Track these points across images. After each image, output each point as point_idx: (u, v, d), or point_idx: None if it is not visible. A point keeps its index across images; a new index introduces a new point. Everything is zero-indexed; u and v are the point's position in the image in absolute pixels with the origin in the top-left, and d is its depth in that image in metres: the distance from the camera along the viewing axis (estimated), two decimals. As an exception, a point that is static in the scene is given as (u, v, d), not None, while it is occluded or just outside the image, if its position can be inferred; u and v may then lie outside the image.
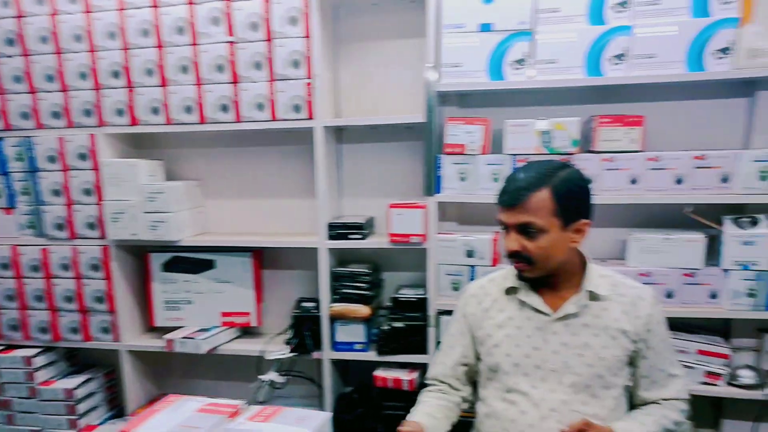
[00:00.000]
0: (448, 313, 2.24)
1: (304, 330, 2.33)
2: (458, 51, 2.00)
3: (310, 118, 2.17)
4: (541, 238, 1.35)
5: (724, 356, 2.08)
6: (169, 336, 2.41)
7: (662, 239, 2.00)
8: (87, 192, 2.34)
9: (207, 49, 2.18)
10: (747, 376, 2.08)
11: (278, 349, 2.37)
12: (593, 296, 1.43)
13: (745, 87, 2.01)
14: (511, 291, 1.51)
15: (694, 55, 1.83)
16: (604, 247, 2.21)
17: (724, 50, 1.80)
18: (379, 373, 2.29)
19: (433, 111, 2.05)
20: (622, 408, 1.46)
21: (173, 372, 2.75)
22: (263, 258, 2.51)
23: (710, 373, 2.08)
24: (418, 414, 1.50)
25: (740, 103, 2.03)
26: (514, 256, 1.40)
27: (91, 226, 2.37)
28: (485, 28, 1.97)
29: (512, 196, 1.36)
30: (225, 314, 2.50)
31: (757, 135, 1.98)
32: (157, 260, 2.45)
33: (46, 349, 2.52)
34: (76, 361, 2.68)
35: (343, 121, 2.26)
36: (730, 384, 2.08)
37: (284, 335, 2.43)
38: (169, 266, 2.45)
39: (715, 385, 2.07)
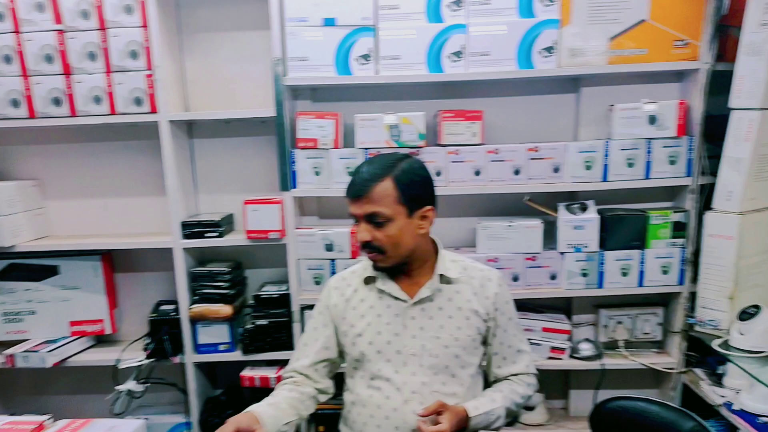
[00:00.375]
0: (312, 307, 2.24)
1: (163, 334, 2.24)
2: (304, 45, 1.98)
3: (154, 111, 2.06)
4: (388, 227, 1.41)
5: (566, 332, 2.25)
6: (9, 351, 2.21)
7: (506, 226, 2.13)
8: None
9: (32, 38, 2.00)
10: (586, 349, 2.27)
11: (135, 357, 2.26)
12: (445, 280, 1.50)
13: (572, 83, 2.18)
14: (369, 280, 1.54)
15: (524, 54, 1.95)
16: (456, 235, 2.31)
17: (549, 49, 1.94)
18: (246, 372, 2.25)
19: (282, 105, 2.02)
20: (478, 386, 1.56)
21: (20, 390, 2.53)
22: (115, 261, 2.37)
23: (555, 348, 2.25)
24: (260, 404, 1.47)
25: (569, 99, 2.19)
26: (367, 247, 1.45)
27: None
28: (329, 22, 1.97)
29: (358, 187, 1.41)
30: (74, 323, 2.33)
31: (583, 128, 2.16)
32: (-10, 269, 2.23)
33: None
34: None
35: (190, 115, 2.17)
36: (572, 357, 2.26)
37: (142, 341, 2.31)
38: (5, 275, 2.24)
39: (560, 359, 2.24)
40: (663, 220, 2.08)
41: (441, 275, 1.50)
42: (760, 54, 1.73)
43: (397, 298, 1.50)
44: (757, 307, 1.94)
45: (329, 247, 2.16)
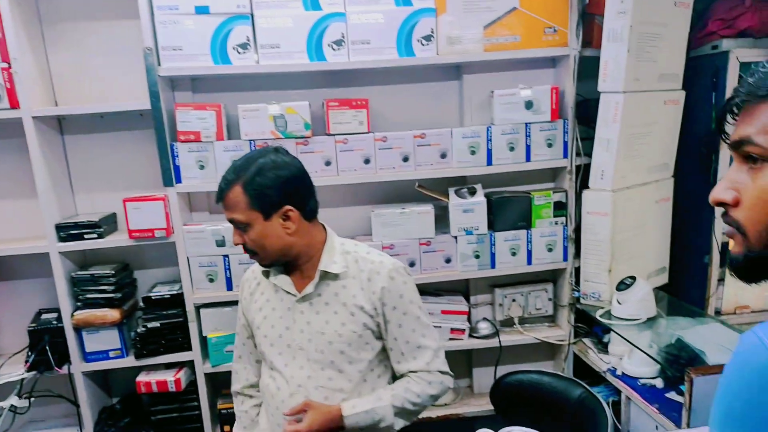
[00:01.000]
0: (209, 306, 2.18)
1: (44, 344, 2.10)
2: (177, 34, 1.90)
3: (15, 107, 1.91)
4: (249, 232, 1.40)
5: (465, 313, 2.31)
6: None
7: (399, 213, 2.14)
8: None
9: None
10: (484, 328, 2.35)
11: (16, 371, 2.10)
12: (327, 275, 1.47)
13: (454, 71, 2.22)
14: (267, 274, 1.54)
15: (403, 42, 1.96)
16: (352, 224, 2.31)
17: (428, 37, 1.96)
18: (142, 378, 2.16)
19: (158, 97, 1.93)
20: (374, 382, 1.51)
21: None
22: (-13, 270, 2.19)
23: (455, 330, 2.30)
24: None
25: (452, 86, 2.23)
26: (243, 248, 1.44)
27: None
28: (202, 10, 1.88)
29: (217, 193, 1.41)
30: (-56, 340, 2.15)
31: (467, 114, 2.20)
32: None
33: None
34: None
35: (58, 110, 2.02)
36: (472, 336, 2.33)
37: (24, 354, 2.16)
38: None
39: (460, 339, 2.30)
40: (545, 201, 2.18)
41: (324, 271, 1.47)
42: (621, 40, 1.83)
43: (288, 293, 1.49)
44: (632, 278, 2.07)
45: (221, 243, 2.09)
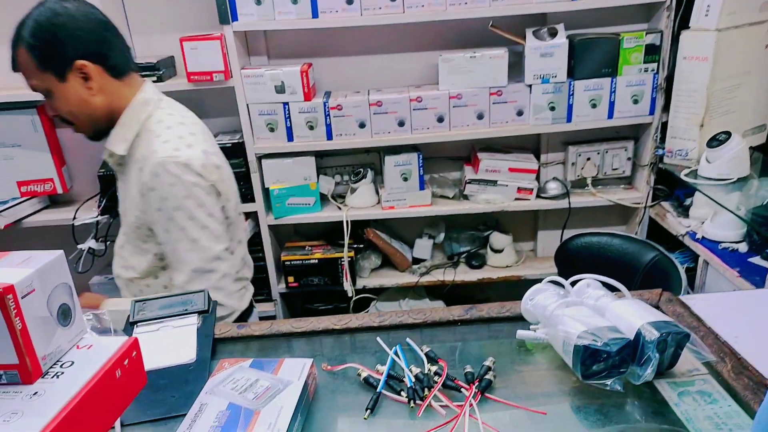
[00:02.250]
0: (270, 156, 2.15)
1: (115, 190, 2.13)
2: None
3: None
4: (53, 99, 1.24)
5: (533, 171, 2.20)
6: (-47, 214, 2.11)
7: (469, 58, 1.98)
8: None
9: None
10: (554, 188, 2.24)
11: (91, 215, 2.18)
12: (112, 154, 1.31)
13: None
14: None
15: None
16: (417, 72, 2.17)
17: None
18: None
19: None
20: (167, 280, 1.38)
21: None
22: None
23: (522, 189, 2.20)
24: None
25: None
26: (62, 121, 1.29)
27: None
28: None
29: (11, 63, 1.22)
30: (22, 183, 2.22)
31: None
32: None
33: None
34: None
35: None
36: (539, 197, 2.23)
37: (96, 199, 2.22)
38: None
39: (527, 199, 2.21)
40: (635, 43, 1.95)
41: (108, 150, 1.31)
42: None
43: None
44: (727, 133, 1.88)
45: (280, 89, 2.01)
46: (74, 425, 0.62)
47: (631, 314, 0.84)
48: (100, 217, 2.16)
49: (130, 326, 1.05)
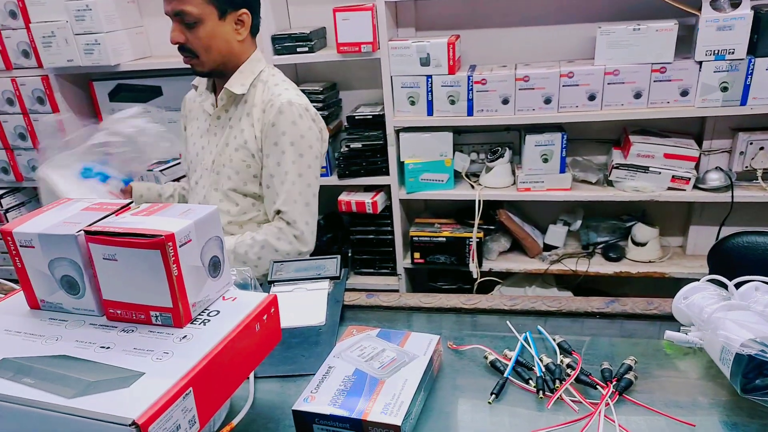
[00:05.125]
0: (408, 130, 2.15)
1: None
2: None
3: None
4: (198, 29, 1.31)
5: (693, 159, 1.99)
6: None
7: (631, 30, 1.81)
8: (12, 14, 2.17)
9: None
10: (715, 179, 2.01)
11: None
12: (234, 97, 1.41)
13: None
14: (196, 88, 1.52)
15: None
16: (574, 44, 2.03)
17: None
18: (343, 197, 2.27)
19: None
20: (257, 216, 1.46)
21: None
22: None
23: (676, 178, 2.01)
24: None
25: None
26: (181, 49, 1.36)
27: (25, 54, 2.23)
28: None
29: None
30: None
31: None
32: (101, 89, 2.34)
33: (12, 190, 2.53)
34: (47, 199, 2.70)
35: None
36: (696, 188, 2.01)
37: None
38: (115, 95, 2.34)
39: (682, 189, 2.01)
40: (840, 15, 1.66)
41: (229, 90, 1.39)
42: None
43: (206, 111, 1.47)
44: None
45: (425, 61, 1.99)
46: (217, 370, 0.66)
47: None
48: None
49: (268, 284, 1.11)
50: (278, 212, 1.38)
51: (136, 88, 2.31)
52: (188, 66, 1.40)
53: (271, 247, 1.36)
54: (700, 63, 1.80)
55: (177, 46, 1.35)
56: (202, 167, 1.48)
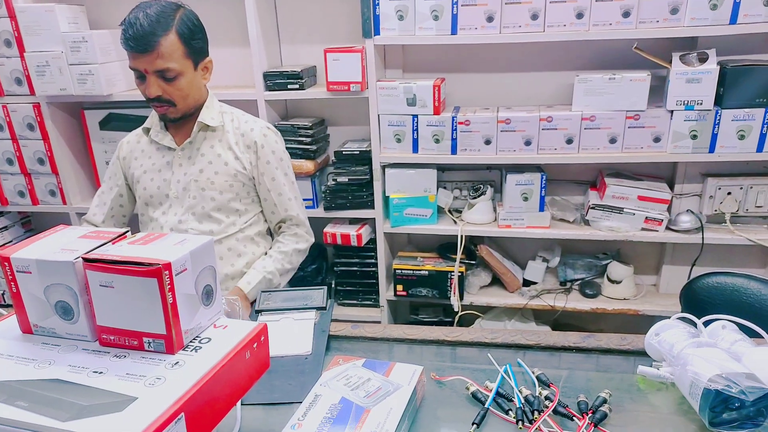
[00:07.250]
0: (393, 166, 2.21)
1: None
2: None
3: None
4: (179, 81, 1.46)
5: (665, 201, 2.06)
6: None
7: (607, 79, 1.90)
8: (7, 43, 2.21)
9: None
10: (686, 221, 2.08)
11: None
12: (205, 127, 1.57)
13: None
14: (147, 132, 1.63)
15: None
16: (551, 90, 2.12)
17: None
18: (328, 229, 2.30)
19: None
20: (249, 229, 1.64)
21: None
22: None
23: (650, 219, 2.08)
24: None
25: None
26: (156, 101, 1.47)
27: (18, 81, 2.26)
28: None
29: (142, 42, 1.39)
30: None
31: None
32: (92, 118, 2.36)
33: (-2, 214, 2.52)
34: (29, 227, 2.69)
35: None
36: (669, 229, 2.09)
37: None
38: (105, 124, 2.37)
39: (655, 230, 2.08)
40: (799, 73, 1.77)
41: (203, 123, 1.56)
42: None
43: (168, 147, 1.59)
44: None
45: (411, 102, 2.06)
46: (208, 396, 0.68)
47: (772, 365, 0.77)
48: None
49: (255, 314, 1.14)
50: (285, 220, 1.66)
51: (126, 117, 2.33)
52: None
53: (297, 253, 1.68)
54: (671, 112, 1.90)
55: (150, 98, 1.46)
56: (171, 197, 1.59)
